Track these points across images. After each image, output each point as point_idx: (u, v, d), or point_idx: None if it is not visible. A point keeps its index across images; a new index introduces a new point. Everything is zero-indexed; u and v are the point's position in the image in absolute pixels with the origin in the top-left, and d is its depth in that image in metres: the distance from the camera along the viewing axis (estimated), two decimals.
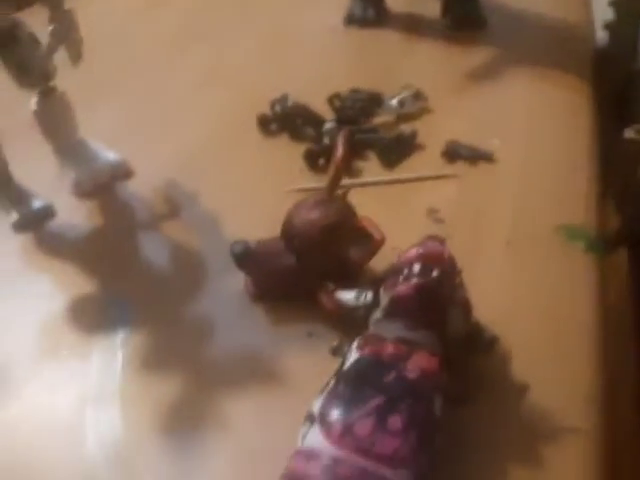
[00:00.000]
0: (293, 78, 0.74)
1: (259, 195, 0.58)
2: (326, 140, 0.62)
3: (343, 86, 0.69)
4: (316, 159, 0.61)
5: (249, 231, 0.49)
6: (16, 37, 0.49)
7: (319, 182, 0.57)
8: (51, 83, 0.54)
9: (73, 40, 0.52)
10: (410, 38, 0.84)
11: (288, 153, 0.64)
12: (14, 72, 0.51)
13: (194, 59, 0.80)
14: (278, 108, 0.66)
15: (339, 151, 0.47)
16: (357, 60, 0.81)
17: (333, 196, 0.46)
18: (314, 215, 0.45)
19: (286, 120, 0.66)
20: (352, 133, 0.58)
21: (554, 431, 0.40)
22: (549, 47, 0.80)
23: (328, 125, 0.63)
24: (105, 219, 0.57)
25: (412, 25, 0.87)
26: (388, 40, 0.84)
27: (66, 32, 0.51)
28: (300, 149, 0.62)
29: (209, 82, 0.75)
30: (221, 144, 0.65)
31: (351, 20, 0.87)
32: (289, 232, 0.46)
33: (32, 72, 0.52)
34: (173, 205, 0.58)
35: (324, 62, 0.79)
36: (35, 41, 0.51)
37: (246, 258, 0.47)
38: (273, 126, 0.67)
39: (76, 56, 0.53)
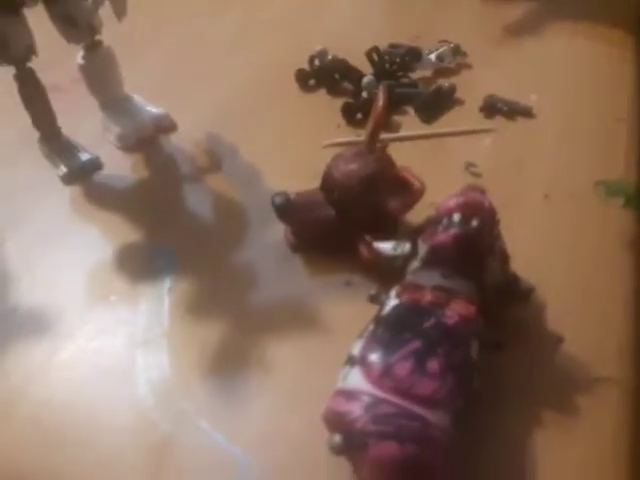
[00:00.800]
0: (330, 32, 0.73)
1: (297, 149, 0.59)
2: (364, 94, 0.62)
3: (380, 41, 0.69)
4: (354, 113, 0.61)
5: (287, 184, 0.50)
6: None
7: (357, 136, 0.59)
8: (97, 37, 0.55)
9: None
10: None
11: (326, 108, 0.64)
12: (61, 26, 0.52)
13: (232, 14, 0.80)
14: (317, 62, 0.66)
15: (379, 104, 0.47)
16: (394, 14, 0.80)
17: (372, 148, 0.47)
18: (353, 166, 0.46)
19: (324, 75, 0.66)
20: (391, 87, 0.58)
21: (588, 381, 0.41)
22: (591, 1, 0.78)
23: (366, 79, 0.63)
24: (150, 171, 0.58)
25: None
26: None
27: None
28: (338, 104, 0.63)
29: (247, 36, 0.75)
30: (260, 98, 0.65)
31: None
32: (329, 183, 0.47)
33: (79, 26, 0.52)
34: (214, 158, 0.59)
35: (361, 16, 0.79)
36: None
37: (287, 209, 0.48)
38: (311, 81, 0.67)
39: (121, 11, 0.53)
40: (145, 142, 0.59)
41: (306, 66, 0.67)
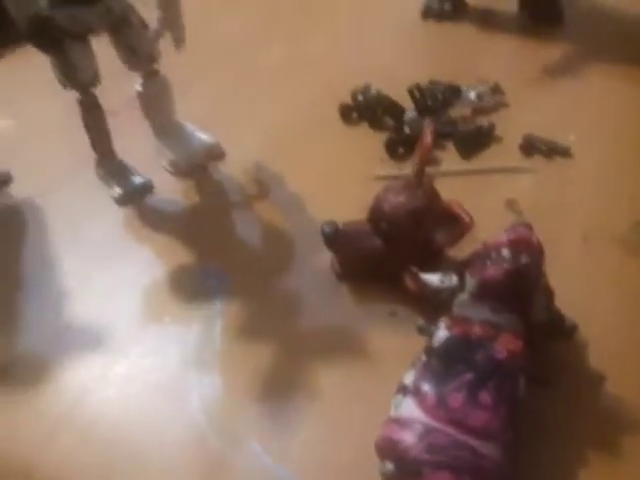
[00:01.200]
0: (372, 67, 0.75)
1: (342, 180, 0.61)
2: (406, 130, 0.64)
3: (420, 77, 0.71)
4: (396, 148, 0.63)
5: (332, 214, 0.52)
6: (129, 21, 0.53)
7: (400, 170, 0.60)
8: (155, 66, 0.57)
9: (178, 26, 0.55)
10: (487, 32, 0.85)
11: (369, 141, 0.66)
12: (124, 54, 0.55)
13: (279, 46, 0.82)
14: (360, 97, 0.68)
15: (426, 140, 0.48)
16: (434, 52, 0.82)
17: (420, 182, 0.49)
18: (402, 199, 0.48)
19: (367, 109, 0.68)
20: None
21: (631, 421, 0.41)
22: (628, 43, 0.80)
23: (409, 115, 0.65)
24: (200, 197, 0.60)
25: (489, 19, 0.88)
26: (465, 33, 0.85)
27: (173, 18, 0.54)
28: (380, 138, 0.65)
29: (293, 68, 0.77)
30: (304, 129, 0.68)
31: (428, 13, 0.89)
32: (377, 215, 0.49)
33: (140, 55, 0.55)
34: (263, 187, 0.61)
35: (403, 52, 0.81)
36: (145, 26, 0.54)
37: (335, 238, 0.50)
38: (354, 115, 0.69)
39: (180, 41, 0.56)
40: (196, 169, 0.61)
41: (348, 98, 0.69)
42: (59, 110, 0.70)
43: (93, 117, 0.56)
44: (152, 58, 0.56)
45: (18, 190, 0.62)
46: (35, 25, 0.47)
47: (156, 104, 0.60)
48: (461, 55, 0.80)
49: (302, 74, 0.76)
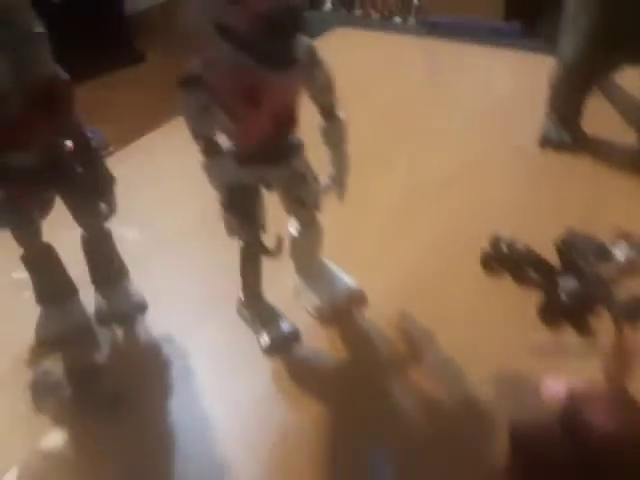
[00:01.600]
0: (495, 204, 0.74)
1: (490, 345, 0.56)
2: (563, 297, 0.60)
3: (544, 217, 0.70)
4: (553, 316, 0.59)
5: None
6: (305, 178, 0.50)
7: (557, 342, 0.57)
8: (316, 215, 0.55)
9: (344, 182, 0.53)
10: (611, 167, 0.82)
11: (512, 297, 0.62)
12: (290, 205, 0.53)
13: (398, 173, 0.80)
14: (505, 248, 0.65)
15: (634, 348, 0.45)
16: (558, 189, 0.79)
17: (627, 398, 0.45)
18: (618, 419, 0.43)
19: (510, 261, 0.65)
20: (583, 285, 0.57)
21: None
22: None
23: (568, 284, 0.61)
24: (346, 348, 0.56)
25: (611, 152, 0.85)
26: (586, 167, 0.83)
27: (342, 176, 0.52)
28: (526, 294, 0.61)
29: (416, 202, 0.75)
30: (442, 272, 0.64)
31: (546, 143, 0.87)
32: (578, 429, 0.44)
33: (307, 206, 0.53)
34: (411, 344, 0.57)
35: (523, 188, 0.79)
36: (316, 180, 0.52)
37: (520, 444, 0.45)
38: (494, 263, 0.66)
39: (342, 195, 0.54)
40: (338, 314, 0.58)
41: (483, 239, 0.66)
42: (190, 222, 0.67)
43: (254, 264, 0.53)
44: (317, 209, 0.54)
45: (149, 322, 0.59)
46: (236, 193, 0.45)
47: (308, 248, 0.57)
48: (587, 194, 0.77)
49: (424, 207, 0.74)
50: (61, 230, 0.54)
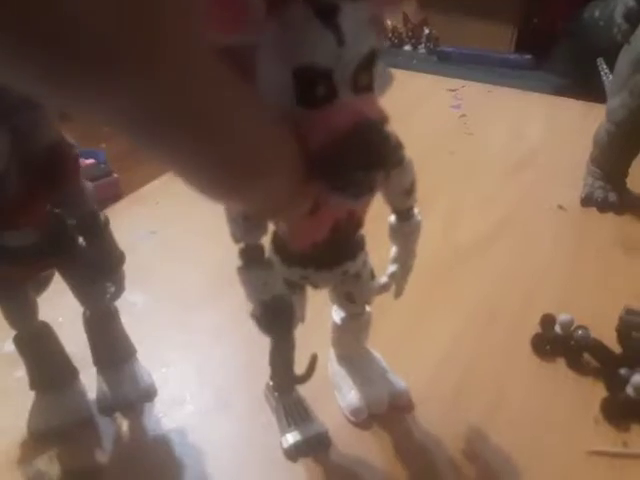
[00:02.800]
0: (537, 266, 0.67)
1: (549, 447, 0.49)
2: (630, 392, 0.53)
3: (593, 288, 0.64)
4: (619, 414, 0.52)
5: None
6: (359, 276, 0.43)
7: (624, 445, 0.50)
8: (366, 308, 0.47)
9: (405, 281, 0.46)
10: None
11: (569, 385, 0.55)
12: (340, 300, 0.46)
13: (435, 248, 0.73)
14: (559, 330, 0.58)
15: None
16: (604, 257, 0.73)
17: None
18: None
19: (564, 345, 0.58)
20: None
21: None
22: None
23: (635, 377, 0.54)
24: (384, 451, 0.48)
25: None
26: (634, 229, 0.77)
27: (403, 275, 0.45)
28: (584, 383, 0.55)
29: (455, 272, 0.68)
30: (487, 351, 0.58)
31: (589, 202, 0.80)
32: None
33: (357, 303, 0.46)
34: (461, 444, 0.49)
35: (567, 250, 0.72)
36: (373, 277, 0.45)
37: None
38: (546, 346, 0.59)
39: (400, 293, 0.47)
40: (377, 417, 0.50)
41: (530, 312, 0.60)
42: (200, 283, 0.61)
43: (286, 355, 0.46)
44: (367, 304, 0.47)
45: (158, 409, 0.51)
46: (270, 309, 0.37)
47: (353, 337, 0.50)
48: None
49: (462, 274, 0.67)
50: (57, 296, 0.46)
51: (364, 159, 0.28)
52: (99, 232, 0.42)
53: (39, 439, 0.48)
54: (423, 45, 2.43)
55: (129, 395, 0.50)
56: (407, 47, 2.45)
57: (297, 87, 0.28)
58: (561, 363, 0.58)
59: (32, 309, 0.45)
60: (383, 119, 0.29)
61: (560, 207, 0.80)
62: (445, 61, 2.34)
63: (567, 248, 0.73)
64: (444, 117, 1.04)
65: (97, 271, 0.43)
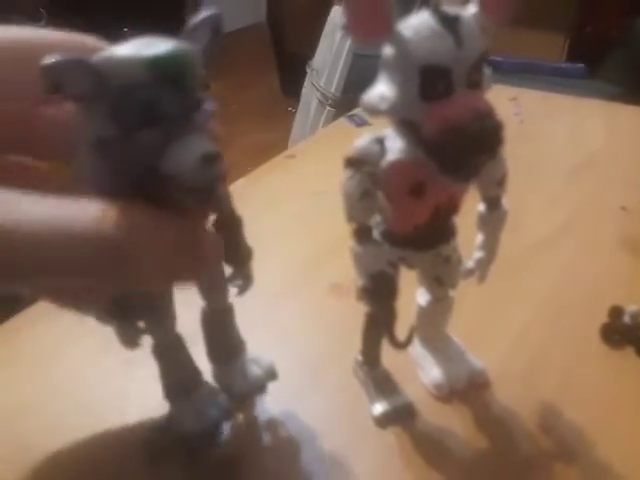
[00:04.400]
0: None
1: (619, 427, 0.52)
2: None
3: None
4: None
5: None
6: (449, 260, 0.47)
7: None
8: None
9: (488, 266, 0.50)
10: None
11: (638, 372, 0.58)
12: (429, 283, 0.50)
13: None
14: (627, 320, 0.62)
15: None
16: None
17: None
18: None
19: (633, 333, 0.61)
20: None
21: None
22: None
23: None
24: (463, 426, 0.52)
25: None
26: None
27: (487, 260, 0.49)
28: None
29: (520, 270, 0.72)
30: (561, 345, 0.61)
31: None
32: None
33: (445, 285, 0.50)
34: (537, 421, 0.53)
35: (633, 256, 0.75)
36: (460, 262, 0.49)
37: None
38: (616, 336, 0.62)
39: (483, 278, 0.51)
40: (457, 393, 0.54)
41: (597, 307, 0.63)
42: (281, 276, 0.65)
43: (379, 331, 0.50)
44: (454, 287, 0.51)
45: None
46: (380, 281, 0.42)
47: (435, 320, 0.54)
48: None
49: (527, 271, 0.71)
50: None
51: (478, 145, 0.33)
52: (235, 228, 0.45)
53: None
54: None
55: (243, 388, 0.50)
56: None
57: (422, 83, 0.33)
58: (630, 352, 0.61)
59: (172, 321, 0.46)
60: (492, 111, 0.34)
61: (623, 208, 0.83)
62: (496, 71, 2.36)
63: (631, 245, 0.76)
64: (507, 124, 1.07)
65: (230, 264, 0.45)
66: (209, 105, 0.34)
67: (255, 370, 0.51)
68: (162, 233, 0.32)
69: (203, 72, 0.33)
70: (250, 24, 4.16)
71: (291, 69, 3.09)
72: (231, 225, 0.44)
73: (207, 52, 0.34)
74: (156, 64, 0.31)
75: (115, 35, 0.35)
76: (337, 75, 2.26)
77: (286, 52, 3.47)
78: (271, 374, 0.51)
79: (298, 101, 2.55)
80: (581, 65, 2.35)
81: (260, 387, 0.51)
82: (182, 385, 0.48)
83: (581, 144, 1.03)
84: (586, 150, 1.01)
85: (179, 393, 0.48)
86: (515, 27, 2.45)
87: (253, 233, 0.47)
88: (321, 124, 2.25)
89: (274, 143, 1.23)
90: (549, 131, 1.08)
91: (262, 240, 0.69)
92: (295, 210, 0.82)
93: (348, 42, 2.16)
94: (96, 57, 0.29)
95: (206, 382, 0.49)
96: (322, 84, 2.33)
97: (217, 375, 0.50)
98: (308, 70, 2.47)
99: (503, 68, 2.38)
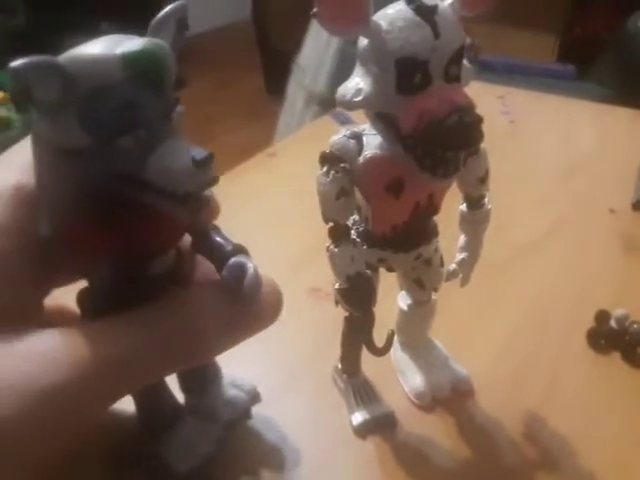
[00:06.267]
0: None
1: (605, 434, 0.51)
2: None
3: None
4: None
5: None
6: (430, 262, 0.46)
7: None
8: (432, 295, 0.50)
9: (471, 269, 0.48)
10: None
11: (623, 378, 0.57)
12: (409, 285, 0.48)
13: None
14: (614, 324, 0.60)
15: None
16: None
17: None
18: None
19: (618, 340, 0.60)
20: None
21: None
22: None
23: None
24: (446, 435, 0.50)
25: None
26: None
27: (471, 262, 0.47)
28: (638, 375, 0.56)
29: (507, 273, 0.70)
30: (542, 348, 0.59)
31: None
32: None
33: (426, 289, 0.49)
34: (521, 429, 0.51)
35: (622, 259, 0.73)
36: (442, 264, 0.47)
37: None
38: (602, 341, 0.60)
39: (467, 281, 0.49)
40: (440, 401, 0.53)
41: (583, 309, 0.62)
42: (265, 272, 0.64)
43: (366, 329, 0.48)
44: (435, 290, 0.49)
45: None
46: (357, 283, 0.40)
47: (418, 324, 0.52)
48: None
49: (514, 274, 0.69)
50: None
51: (456, 140, 0.31)
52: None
53: None
54: (465, 55, 2.45)
55: (227, 415, 0.47)
56: None
57: (398, 76, 0.31)
58: (616, 357, 0.59)
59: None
60: (472, 105, 0.32)
61: (612, 211, 0.82)
62: (487, 71, 2.35)
63: (620, 248, 0.75)
64: (495, 123, 1.06)
65: None
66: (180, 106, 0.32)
67: (237, 394, 0.48)
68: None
69: (176, 69, 0.31)
70: (234, 21, 4.11)
71: (276, 67, 3.06)
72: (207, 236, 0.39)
73: (175, 47, 0.31)
74: (131, 61, 0.27)
75: (92, 31, 0.33)
76: (324, 73, 2.23)
77: (271, 50, 3.43)
78: (255, 397, 0.48)
79: (283, 100, 2.53)
80: (571, 66, 2.34)
81: (245, 411, 0.48)
82: (164, 420, 0.44)
83: (571, 145, 1.02)
84: (575, 152, 1.00)
85: (162, 428, 0.43)
86: (505, 28, 2.44)
87: (230, 232, 0.46)
88: (306, 123, 2.23)
89: (258, 143, 1.20)
90: (539, 132, 1.06)
91: (238, 240, 0.67)
92: (274, 210, 0.80)
93: (335, 39, 2.14)
94: (62, 57, 0.26)
95: (189, 415, 0.45)
96: (308, 82, 2.30)
97: (195, 406, 0.46)
98: (294, 68, 2.44)
99: (493, 68, 2.37)
